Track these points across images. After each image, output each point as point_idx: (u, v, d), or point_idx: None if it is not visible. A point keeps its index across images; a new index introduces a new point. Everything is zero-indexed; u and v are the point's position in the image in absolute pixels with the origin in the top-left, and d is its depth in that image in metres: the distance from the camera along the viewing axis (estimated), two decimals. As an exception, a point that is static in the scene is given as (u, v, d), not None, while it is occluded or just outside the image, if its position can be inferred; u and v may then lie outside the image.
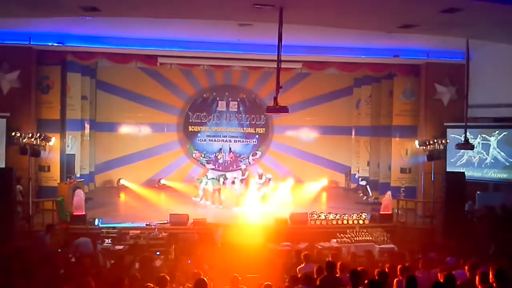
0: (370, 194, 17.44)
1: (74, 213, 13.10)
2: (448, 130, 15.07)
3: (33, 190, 13.35)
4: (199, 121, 19.79)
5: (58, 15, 10.59)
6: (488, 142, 14.67)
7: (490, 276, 6.04)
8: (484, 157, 14.74)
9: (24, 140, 12.33)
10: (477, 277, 6.17)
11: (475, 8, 8.27)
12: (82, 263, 8.23)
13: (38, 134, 12.88)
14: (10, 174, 12.04)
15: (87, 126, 17.98)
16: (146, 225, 12.93)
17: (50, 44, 14.14)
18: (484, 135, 14.69)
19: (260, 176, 16.73)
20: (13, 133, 12.55)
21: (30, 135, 12.55)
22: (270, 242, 11.93)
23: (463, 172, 13.79)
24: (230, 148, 19.91)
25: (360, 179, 18.69)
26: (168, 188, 17.46)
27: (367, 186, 17.74)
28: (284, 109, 8.94)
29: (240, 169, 18.43)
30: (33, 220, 12.61)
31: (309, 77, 19.11)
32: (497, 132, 14.49)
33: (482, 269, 6.51)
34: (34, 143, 12.54)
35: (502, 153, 14.38)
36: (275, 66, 9.33)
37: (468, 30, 10.37)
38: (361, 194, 18.13)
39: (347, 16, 9.50)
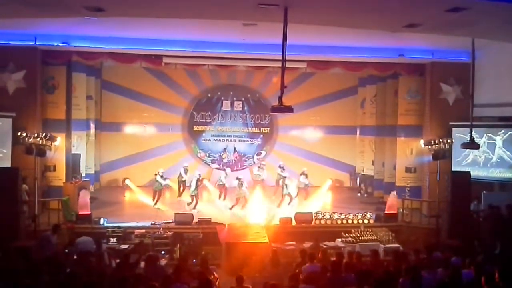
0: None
1: (79, 213, 13.17)
2: (453, 129, 15.00)
3: (38, 190, 13.40)
4: (204, 120, 19.83)
5: (63, 16, 10.62)
6: (494, 141, 14.58)
7: (496, 276, 6.02)
8: (490, 157, 14.66)
9: (29, 140, 12.37)
10: (482, 277, 6.15)
11: (481, 7, 8.23)
12: (86, 262, 8.25)
13: (44, 134, 12.92)
14: (16, 174, 12.11)
15: (92, 126, 18.05)
16: (151, 224, 12.98)
17: (55, 44, 14.17)
18: (489, 135, 14.61)
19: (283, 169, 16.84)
20: (19, 133, 12.59)
21: (36, 135, 12.59)
22: (275, 241, 11.94)
23: (469, 172, 13.73)
24: (234, 148, 19.93)
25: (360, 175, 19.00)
26: (173, 187, 17.43)
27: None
28: (289, 109, 8.94)
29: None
30: (38, 220, 12.65)
31: (313, 76, 19.10)
32: (502, 131, 14.40)
33: (487, 269, 6.50)
34: (40, 143, 12.58)
35: (508, 153, 14.29)
36: (280, 65, 9.32)
37: (473, 29, 10.31)
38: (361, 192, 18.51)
39: (352, 15, 9.49)
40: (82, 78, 16.74)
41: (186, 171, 16.64)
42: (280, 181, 16.43)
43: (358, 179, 19.11)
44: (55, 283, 6.43)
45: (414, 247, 10.10)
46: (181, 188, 16.43)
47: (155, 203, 15.48)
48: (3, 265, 7.51)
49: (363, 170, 19.36)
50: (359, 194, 18.45)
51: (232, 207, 15.18)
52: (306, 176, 16.68)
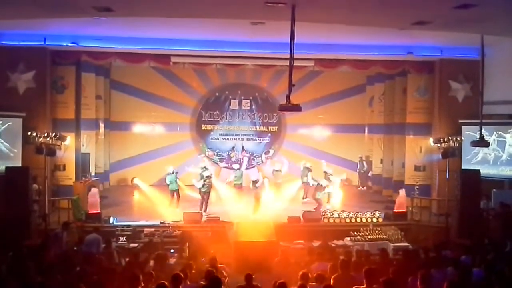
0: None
1: (89, 212, 13.28)
2: (463, 127, 14.91)
3: (49, 189, 13.55)
4: (212, 119, 19.87)
5: (72, 16, 10.72)
6: (504, 139, 14.48)
7: (507, 274, 5.99)
8: (500, 154, 14.55)
9: (40, 140, 12.48)
10: (493, 276, 6.12)
11: (489, 3, 8.20)
12: (96, 261, 8.31)
13: (54, 134, 13.03)
14: (27, 173, 12.25)
15: (101, 125, 18.16)
16: (160, 223, 13.05)
17: (64, 44, 14.30)
18: (499, 132, 14.51)
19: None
20: (29, 133, 12.72)
21: (46, 134, 12.70)
22: (284, 240, 11.95)
23: (478, 170, 13.62)
24: (242, 147, 19.95)
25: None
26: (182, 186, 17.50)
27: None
28: (297, 107, 8.94)
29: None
30: (49, 219, 12.77)
31: (321, 75, 19.02)
32: (513, 129, 14.30)
33: (498, 267, 6.46)
34: (50, 142, 12.68)
35: (518, 150, 14.19)
36: (288, 64, 9.32)
37: (482, 26, 10.27)
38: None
39: (359, 13, 9.47)
40: (91, 78, 16.85)
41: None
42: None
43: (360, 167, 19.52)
44: (66, 281, 6.48)
45: (424, 245, 10.07)
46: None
47: (175, 203, 15.05)
48: (15, 264, 7.59)
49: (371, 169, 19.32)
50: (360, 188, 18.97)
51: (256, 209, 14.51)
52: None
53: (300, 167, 16.84)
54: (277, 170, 16.67)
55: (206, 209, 14.58)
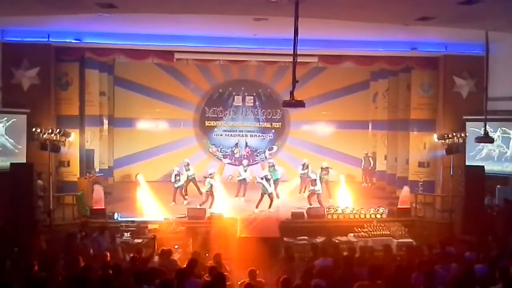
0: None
1: (93, 208, 13.33)
2: (467, 123, 14.84)
3: (53, 185, 13.61)
4: (215, 116, 19.86)
5: (76, 13, 10.73)
6: (509, 135, 14.41)
7: (510, 271, 5.98)
8: (504, 151, 14.49)
9: (44, 136, 12.54)
10: (496, 272, 6.11)
11: (495, -1, 8.15)
12: (101, 257, 8.35)
13: (58, 130, 13.09)
14: (31, 169, 12.32)
15: (105, 122, 18.17)
16: (165, 219, 13.08)
17: (68, 41, 14.33)
18: (504, 128, 14.43)
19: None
20: (33, 129, 12.77)
21: (50, 131, 12.76)
22: (287, 236, 11.97)
23: (483, 166, 13.59)
24: (246, 143, 19.95)
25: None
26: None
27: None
28: (301, 103, 8.92)
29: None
30: (53, 215, 12.86)
31: (325, 71, 18.99)
32: (517, 125, 14.23)
33: (502, 264, 6.45)
34: (54, 138, 12.75)
35: (522, 147, 14.14)
36: (291, 60, 9.30)
37: (487, 22, 10.23)
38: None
39: (363, 9, 9.43)
40: (95, 74, 16.85)
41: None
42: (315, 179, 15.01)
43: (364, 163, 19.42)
44: (70, 276, 6.51)
45: (427, 242, 10.06)
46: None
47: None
48: (19, 259, 7.63)
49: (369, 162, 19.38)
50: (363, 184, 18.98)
51: (258, 205, 14.38)
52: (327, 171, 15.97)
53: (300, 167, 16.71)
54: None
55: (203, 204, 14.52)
